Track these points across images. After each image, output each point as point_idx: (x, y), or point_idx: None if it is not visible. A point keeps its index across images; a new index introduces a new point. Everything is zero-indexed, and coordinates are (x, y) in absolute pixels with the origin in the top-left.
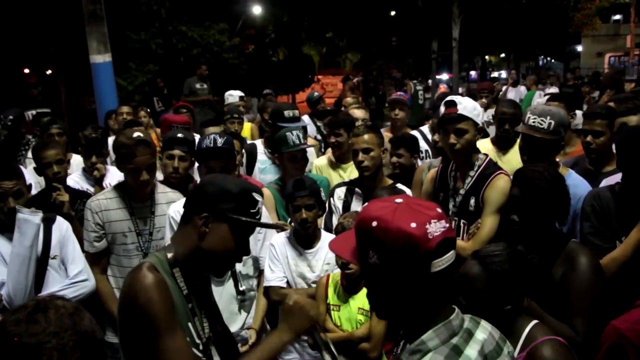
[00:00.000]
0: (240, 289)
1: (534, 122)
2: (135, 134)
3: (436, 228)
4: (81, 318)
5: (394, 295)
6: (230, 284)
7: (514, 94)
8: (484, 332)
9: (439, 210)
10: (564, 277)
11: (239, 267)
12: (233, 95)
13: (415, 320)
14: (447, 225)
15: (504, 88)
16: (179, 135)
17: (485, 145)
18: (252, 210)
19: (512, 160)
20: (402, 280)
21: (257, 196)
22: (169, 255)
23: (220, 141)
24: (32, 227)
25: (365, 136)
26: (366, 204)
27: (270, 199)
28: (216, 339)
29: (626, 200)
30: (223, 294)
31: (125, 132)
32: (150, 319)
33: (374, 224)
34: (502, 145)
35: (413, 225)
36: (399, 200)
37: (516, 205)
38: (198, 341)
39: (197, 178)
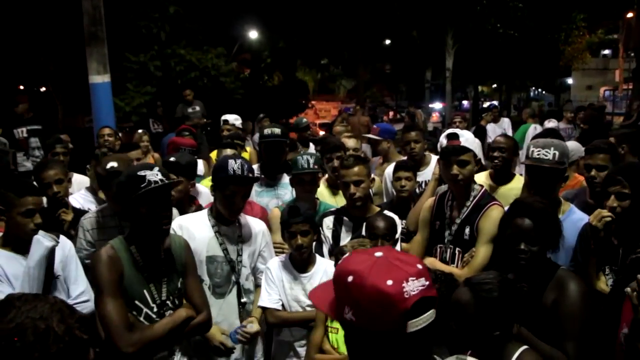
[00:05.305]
0: (242, 300)
1: (538, 154)
2: (109, 165)
3: (414, 286)
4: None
5: (370, 354)
6: (232, 296)
7: (496, 128)
8: None
9: (420, 266)
10: (555, 302)
11: (242, 281)
12: (228, 120)
13: None
14: (427, 282)
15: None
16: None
17: (481, 179)
18: (142, 185)
19: (508, 194)
20: (377, 339)
21: (141, 172)
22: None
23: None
24: (41, 249)
25: (356, 168)
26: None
27: (279, 218)
28: (173, 303)
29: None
30: (224, 305)
31: (101, 163)
32: (95, 282)
33: (350, 279)
34: (500, 179)
35: (389, 282)
36: (378, 253)
37: (527, 236)
38: (152, 304)
39: (199, 198)
